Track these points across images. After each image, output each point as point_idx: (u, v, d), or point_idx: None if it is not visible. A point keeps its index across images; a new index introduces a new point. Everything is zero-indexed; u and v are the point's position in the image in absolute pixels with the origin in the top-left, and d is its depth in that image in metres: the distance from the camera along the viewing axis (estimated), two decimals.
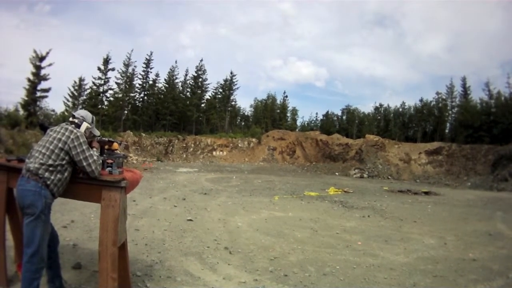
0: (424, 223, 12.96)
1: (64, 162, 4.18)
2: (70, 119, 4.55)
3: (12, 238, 4.99)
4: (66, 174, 4.23)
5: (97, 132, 4.77)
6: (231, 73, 64.86)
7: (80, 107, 51.15)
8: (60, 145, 4.17)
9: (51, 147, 4.16)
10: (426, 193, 24.32)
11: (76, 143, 4.19)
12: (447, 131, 58.49)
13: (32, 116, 37.11)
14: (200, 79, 62.07)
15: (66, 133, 4.23)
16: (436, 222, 13.36)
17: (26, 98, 39.64)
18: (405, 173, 40.09)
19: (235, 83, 65.13)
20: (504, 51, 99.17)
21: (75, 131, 4.29)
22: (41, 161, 4.09)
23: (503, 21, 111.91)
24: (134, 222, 9.38)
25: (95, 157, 4.29)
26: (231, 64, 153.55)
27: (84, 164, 4.17)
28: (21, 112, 38.65)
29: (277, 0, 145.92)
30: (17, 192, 4.11)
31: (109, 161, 4.71)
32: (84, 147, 4.24)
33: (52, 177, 4.09)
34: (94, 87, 53.24)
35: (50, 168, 4.08)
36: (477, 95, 62.29)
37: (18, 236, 4.85)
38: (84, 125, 4.56)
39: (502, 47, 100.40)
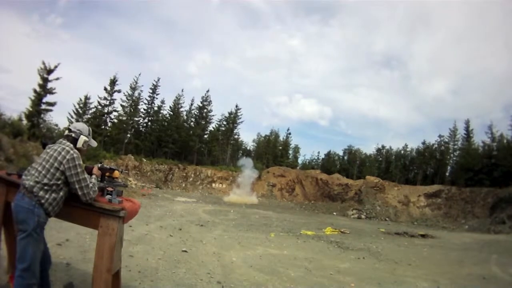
0: (419, 266, 12.92)
1: (59, 182, 4.20)
2: (66, 132, 4.55)
3: (6, 249, 5.01)
4: (61, 193, 4.25)
5: (94, 143, 4.80)
6: (236, 106, 65.49)
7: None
8: (56, 164, 4.18)
9: (47, 165, 4.18)
10: (423, 235, 24.23)
11: (71, 165, 4.21)
12: (447, 173, 58.64)
13: (35, 128, 37.34)
14: (205, 110, 62.44)
15: (63, 153, 4.24)
16: (431, 265, 13.34)
17: (30, 109, 39.89)
18: (403, 215, 40.03)
19: (240, 116, 65.48)
20: (508, 93, 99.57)
21: (71, 151, 4.29)
22: (36, 179, 4.10)
23: (507, 64, 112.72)
24: (129, 248, 9.31)
25: (88, 182, 4.31)
26: (236, 97, 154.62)
27: (76, 186, 4.20)
28: (25, 122, 38.79)
29: (286, 36, 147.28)
30: (13, 206, 4.15)
31: (109, 189, 4.70)
32: (79, 170, 4.26)
33: (47, 196, 4.10)
34: (99, 107, 53.62)
35: (45, 187, 4.10)
36: (480, 138, 62.41)
37: (12, 247, 4.85)
38: (82, 139, 4.58)
39: (506, 89, 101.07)
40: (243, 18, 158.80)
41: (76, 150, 4.38)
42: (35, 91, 40.44)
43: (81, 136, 4.59)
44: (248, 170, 49.83)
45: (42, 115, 40.86)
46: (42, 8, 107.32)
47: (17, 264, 3.99)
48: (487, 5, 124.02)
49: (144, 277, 7.19)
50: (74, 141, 4.53)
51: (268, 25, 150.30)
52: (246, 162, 53.99)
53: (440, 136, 60.55)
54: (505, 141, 49.07)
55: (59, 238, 8.60)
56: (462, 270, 12.83)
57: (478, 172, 45.67)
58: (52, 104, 41.70)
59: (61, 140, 4.50)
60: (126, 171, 25.20)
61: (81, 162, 4.35)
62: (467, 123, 57.68)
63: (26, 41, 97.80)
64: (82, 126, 4.76)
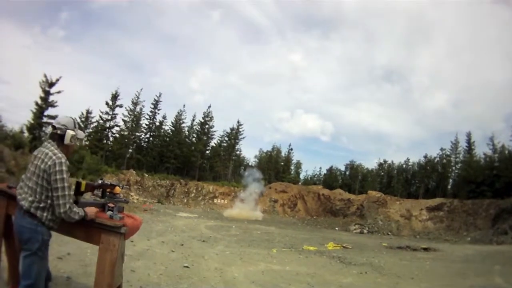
0: (421, 280, 12.90)
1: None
2: (51, 130, 4.38)
3: (6, 260, 4.95)
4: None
5: (81, 134, 4.58)
6: (238, 122, 65.63)
7: (85, 139, 51.43)
8: (44, 175, 3.95)
9: (34, 178, 3.99)
10: (425, 249, 24.14)
11: (52, 170, 3.93)
12: (449, 186, 58.66)
13: (36, 140, 37.28)
14: (207, 126, 62.51)
15: (46, 160, 3.99)
16: (433, 279, 13.32)
17: (32, 122, 39.97)
18: (405, 229, 39.89)
19: (241, 132, 65.62)
20: (509, 104, 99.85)
21: (54, 157, 3.99)
22: (30, 198, 3.96)
23: (508, 75, 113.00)
24: (130, 263, 9.25)
25: (68, 194, 3.97)
26: (238, 113, 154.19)
27: (55, 194, 3.91)
28: (26, 134, 39.10)
29: (287, 51, 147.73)
30: (15, 226, 4.05)
31: (111, 205, 4.68)
32: (58, 177, 3.94)
33: (45, 214, 3.97)
34: (101, 121, 53.85)
35: (41, 205, 3.95)
36: (482, 150, 62.41)
37: (13, 259, 4.81)
38: (69, 134, 4.27)
39: (507, 101, 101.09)
40: (244, 33, 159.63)
41: (60, 155, 4.05)
42: (36, 103, 40.60)
43: (67, 131, 4.28)
44: (253, 183, 49.75)
45: (43, 128, 40.87)
46: (43, 20, 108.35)
47: (22, 280, 3.91)
48: (486, 17, 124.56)
49: None
50: (60, 138, 4.27)
51: (269, 40, 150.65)
52: (253, 174, 53.91)
53: (441, 149, 60.71)
54: (506, 152, 49.06)
55: (60, 252, 8.54)
56: (465, 282, 12.81)
57: (480, 184, 45.57)
58: (54, 117, 41.64)
59: (46, 143, 4.26)
60: (127, 186, 25.19)
61: (66, 169, 4.04)
62: (469, 135, 57.79)
63: (27, 53, 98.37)
64: (66, 120, 4.39)
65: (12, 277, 4.89)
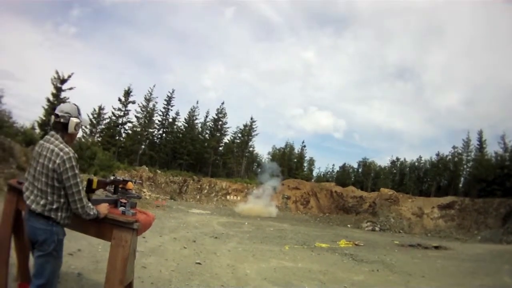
0: (432, 278, 12.84)
1: (64, 192, 3.87)
2: (54, 118, 4.17)
3: (16, 257, 4.96)
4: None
5: (86, 122, 4.46)
6: (251, 119, 65.81)
7: (98, 135, 51.69)
8: (50, 174, 3.79)
9: (43, 179, 3.82)
10: (436, 247, 24.04)
11: (62, 169, 3.78)
12: (461, 185, 58.54)
13: None
14: (220, 122, 62.75)
15: (52, 157, 3.80)
16: (444, 277, 13.27)
17: (44, 118, 40.37)
18: (416, 227, 39.73)
19: (255, 129, 65.71)
20: None
21: (61, 153, 3.81)
22: (42, 201, 3.80)
23: None
24: (142, 259, 9.28)
25: (83, 196, 3.93)
26: (251, 110, 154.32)
27: (68, 192, 3.84)
28: (38, 131, 39.09)
29: (300, 48, 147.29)
30: (27, 227, 3.91)
31: (123, 200, 4.67)
32: (76, 171, 3.87)
33: (60, 214, 3.86)
34: (113, 117, 54.26)
35: (54, 206, 3.82)
36: (493, 148, 61.97)
37: (22, 255, 4.85)
38: (73, 122, 4.06)
39: None
40: (257, 30, 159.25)
41: (68, 150, 3.88)
42: (48, 100, 41.02)
43: (71, 119, 4.06)
44: (270, 178, 49.70)
45: None
46: (55, 18, 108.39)
47: (34, 279, 3.83)
48: (499, 16, 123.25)
49: None
50: (64, 127, 4.06)
51: (282, 38, 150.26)
52: (271, 167, 53.77)
53: (454, 147, 60.50)
54: None
55: (71, 248, 8.56)
56: (474, 281, 12.76)
57: (491, 183, 45.66)
58: None
59: (49, 137, 4.02)
60: (140, 181, 25.09)
61: (76, 163, 3.89)
62: (480, 133, 57.60)
63: (39, 50, 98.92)
64: (69, 107, 4.19)
65: (21, 273, 4.92)
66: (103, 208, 4.25)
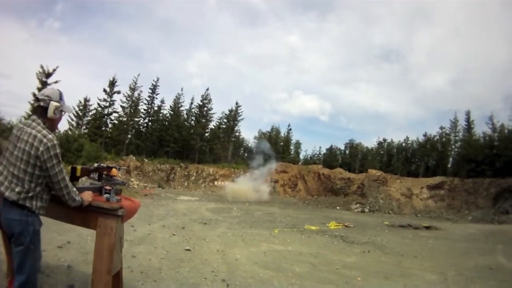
0: (424, 259, 12.86)
1: (41, 180, 3.80)
2: (34, 103, 4.14)
3: (5, 252, 4.79)
4: (49, 190, 3.97)
5: (69, 109, 4.32)
6: (236, 103, 65.51)
7: (84, 127, 51.63)
8: (31, 161, 3.71)
9: (22, 165, 3.71)
10: (427, 227, 24.15)
11: (46, 156, 3.71)
12: (449, 165, 58.83)
13: None
14: (205, 108, 62.51)
15: (35, 144, 3.71)
16: (437, 257, 13.28)
17: (30, 113, 39.70)
18: (406, 207, 39.87)
19: (240, 114, 65.58)
20: (508, 84, 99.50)
21: (45, 140, 3.73)
22: (17, 188, 3.70)
23: (507, 54, 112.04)
24: (131, 248, 9.23)
25: (68, 183, 3.93)
26: (236, 95, 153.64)
27: (54, 180, 3.80)
28: None
29: (285, 33, 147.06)
30: (2, 219, 3.80)
31: (107, 187, 4.59)
32: (60, 159, 3.84)
33: (35, 203, 3.79)
34: (99, 108, 54.09)
35: (30, 194, 3.73)
36: (481, 129, 62.24)
37: (12, 251, 4.73)
38: (52, 105, 3.95)
39: (506, 80, 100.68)
40: (241, 16, 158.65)
41: (51, 137, 3.80)
42: (34, 95, 40.44)
43: (51, 102, 3.95)
44: (263, 158, 49.70)
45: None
46: (39, 13, 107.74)
47: (16, 275, 3.78)
48: None
49: (146, 277, 7.10)
50: (44, 111, 3.96)
51: (266, 23, 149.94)
52: (264, 146, 53.77)
53: (441, 127, 60.54)
54: (506, 131, 49.23)
55: (60, 241, 8.50)
56: (468, 261, 12.76)
57: (480, 163, 45.82)
58: None
59: (30, 122, 3.92)
60: (124, 168, 24.90)
61: (60, 150, 3.84)
62: (468, 114, 57.66)
63: (25, 47, 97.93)
64: (50, 91, 4.11)
65: (11, 269, 4.82)
66: (87, 196, 4.19)
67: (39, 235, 3.91)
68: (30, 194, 3.73)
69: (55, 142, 3.79)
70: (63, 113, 4.19)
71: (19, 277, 3.74)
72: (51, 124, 4.04)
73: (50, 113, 3.95)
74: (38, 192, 3.79)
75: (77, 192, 4.00)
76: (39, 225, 3.90)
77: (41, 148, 3.69)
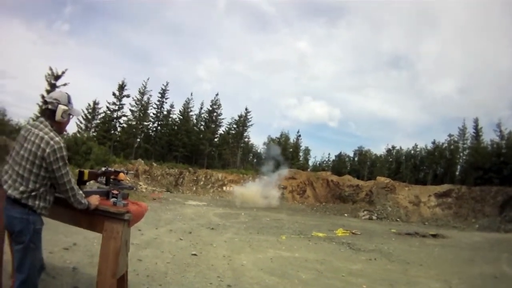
0: (430, 267, 12.87)
1: (46, 181, 3.84)
2: (42, 106, 4.14)
3: (10, 253, 4.83)
4: (53, 190, 4.00)
5: (77, 112, 4.34)
6: (246, 109, 65.36)
7: (93, 130, 51.86)
8: (37, 161, 3.74)
9: (28, 166, 3.75)
10: (434, 235, 24.05)
11: (52, 159, 3.75)
12: (457, 173, 58.45)
13: None
14: (215, 114, 62.47)
15: (42, 145, 3.74)
16: (442, 265, 13.30)
17: (38, 115, 39.89)
18: (414, 215, 39.73)
19: (249, 119, 65.43)
20: None
21: (51, 142, 3.76)
22: (21, 187, 3.73)
23: None
24: (137, 252, 9.27)
25: (74, 185, 3.96)
26: (246, 100, 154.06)
27: (60, 182, 3.84)
28: None
29: (294, 39, 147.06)
30: (4, 217, 3.85)
31: (115, 192, 4.61)
32: (66, 161, 3.87)
33: (37, 202, 3.81)
34: (108, 112, 54.29)
35: (33, 194, 3.76)
36: (489, 136, 61.83)
37: None
38: (60, 109, 3.96)
39: None
40: (250, 22, 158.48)
41: (58, 139, 3.83)
42: (42, 97, 40.76)
43: (59, 106, 3.97)
44: (274, 164, 49.67)
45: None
46: (48, 15, 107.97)
47: (17, 274, 3.83)
48: (495, 3, 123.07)
49: (152, 281, 7.14)
50: (52, 114, 3.97)
51: (276, 29, 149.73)
52: (273, 150, 53.73)
53: (449, 135, 60.17)
54: None
55: (66, 243, 8.54)
56: (473, 269, 12.77)
57: (487, 171, 45.54)
58: None
59: (37, 123, 3.96)
60: (132, 172, 24.89)
61: (66, 153, 3.88)
62: (476, 121, 57.26)
63: (33, 48, 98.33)
64: (59, 94, 4.13)
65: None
66: (94, 199, 4.22)
67: (40, 234, 3.94)
68: (33, 194, 3.76)
69: (62, 144, 3.83)
70: (71, 116, 4.22)
71: (19, 276, 3.77)
72: (59, 127, 4.07)
73: (58, 116, 3.97)
74: (41, 193, 3.82)
75: (83, 195, 4.04)
76: (40, 224, 3.93)
77: (47, 150, 3.73)
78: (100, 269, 4.12)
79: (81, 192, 4.02)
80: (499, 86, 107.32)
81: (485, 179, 44.50)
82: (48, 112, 3.99)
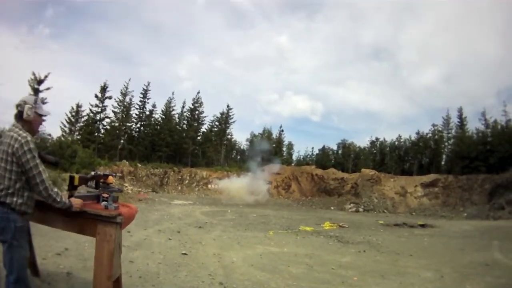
0: (420, 256, 12.95)
1: (23, 177, 3.93)
2: (15, 111, 4.27)
3: None
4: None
5: (44, 110, 4.39)
6: (228, 106, 65.43)
7: (77, 133, 51.57)
8: (9, 158, 3.88)
9: (2, 164, 3.90)
10: (422, 225, 24.27)
11: (20, 152, 3.86)
12: (443, 162, 58.90)
13: None
14: (197, 112, 62.36)
15: (11, 142, 3.90)
16: (432, 255, 13.39)
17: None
18: (400, 206, 39.99)
19: (232, 116, 65.46)
20: (499, 79, 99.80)
21: (19, 138, 3.90)
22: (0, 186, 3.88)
23: (498, 48, 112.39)
24: (128, 254, 9.21)
25: (45, 177, 3.97)
26: (227, 97, 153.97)
27: (30, 175, 3.89)
28: None
29: (273, 34, 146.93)
30: None
31: (105, 195, 4.63)
32: (29, 156, 3.89)
33: (15, 199, 3.89)
34: (91, 114, 53.96)
35: (10, 191, 3.86)
36: (474, 125, 62.19)
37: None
38: (26, 108, 4.11)
39: (497, 76, 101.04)
40: (229, 18, 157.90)
41: (25, 134, 3.98)
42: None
43: (25, 105, 4.13)
44: (261, 160, 49.90)
45: None
46: (30, 20, 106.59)
47: (7, 276, 3.86)
48: None
49: (145, 282, 7.14)
50: (21, 114, 4.15)
51: (255, 24, 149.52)
52: (261, 145, 53.81)
53: (433, 125, 60.58)
54: (499, 127, 49.51)
55: (58, 248, 8.50)
56: (464, 258, 12.85)
57: (473, 160, 45.90)
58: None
59: (12, 127, 4.12)
60: (120, 175, 24.88)
61: (34, 146, 3.97)
62: (460, 110, 57.83)
63: (15, 53, 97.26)
64: (27, 96, 4.31)
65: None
66: (77, 201, 4.27)
67: (23, 232, 4.02)
68: (10, 191, 3.86)
69: (29, 139, 3.94)
70: (42, 117, 4.36)
71: (10, 277, 3.83)
72: (30, 127, 4.19)
73: (25, 114, 4.10)
74: (18, 189, 3.90)
75: (58, 192, 4.06)
76: (21, 222, 3.98)
77: (16, 145, 3.85)
78: (95, 273, 4.14)
79: (56, 189, 4.04)
80: (483, 74, 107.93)
81: (472, 168, 44.89)
82: (18, 114, 4.15)
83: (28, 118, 4.14)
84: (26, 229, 4.11)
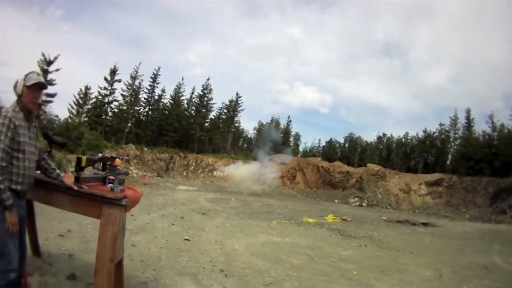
0: (420, 255, 12.92)
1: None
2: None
3: None
4: (15, 162, 3.95)
5: (31, 81, 4.26)
6: (237, 94, 65.78)
7: (85, 115, 51.60)
8: None
9: None
10: (424, 224, 24.16)
11: None
12: (448, 162, 58.78)
13: None
14: (206, 98, 62.60)
15: None
16: (432, 254, 13.35)
17: None
18: (404, 203, 39.94)
19: (240, 104, 65.66)
20: (508, 82, 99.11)
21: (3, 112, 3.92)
22: None
23: (507, 53, 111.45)
24: (131, 237, 9.23)
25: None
26: (237, 85, 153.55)
27: None
28: None
29: (286, 25, 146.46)
30: None
31: (111, 177, 4.68)
32: None
33: None
34: (100, 97, 54.16)
35: None
36: (481, 127, 61.92)
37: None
38: (18, 85, 4.15)
39: (506, 79, 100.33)
40: (243, 7, 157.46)
41: (7, 109, 4.02)
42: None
43: (17, 83, 4.16)
44: (270, 149, 49.94)
45: (42, 107, 40.64)
46: (41, 1, 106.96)
47: None
48: None
49: (146, 266, 7.18)
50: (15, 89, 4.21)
51: (268, 14, 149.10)
52: (272, 133, 53.80)
53: (440, 124, 60.64)
54: (505, 131, 49.42)
55: (61, 229, 8.55)
56: (463, 259, 12.83)
57: (479, 161, 45.83)
58: (53, 95, 42.16)
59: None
60: (127, 158, 24.87)
61: (2, 121, 3.85)
62: (468, 112, 57.79)
63: (25, 34, 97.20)
64: (22, 76, 4.23)
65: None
66: (67, 178, 4.33)
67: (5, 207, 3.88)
68: None
69: (3, 113, 3.92)
70: (32, 88, 4.20)
71: None
72: (23, 103, 4.17)
73: (16, 89, 4.16)
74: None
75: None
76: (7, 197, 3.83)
77: None
78: (98, 254, 4.14)
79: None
80: (492, 77, 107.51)
81: (477, 170, 44.87)
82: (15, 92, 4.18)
83: (18, 94, 4.17)
84: (11, 204, 3.90)
